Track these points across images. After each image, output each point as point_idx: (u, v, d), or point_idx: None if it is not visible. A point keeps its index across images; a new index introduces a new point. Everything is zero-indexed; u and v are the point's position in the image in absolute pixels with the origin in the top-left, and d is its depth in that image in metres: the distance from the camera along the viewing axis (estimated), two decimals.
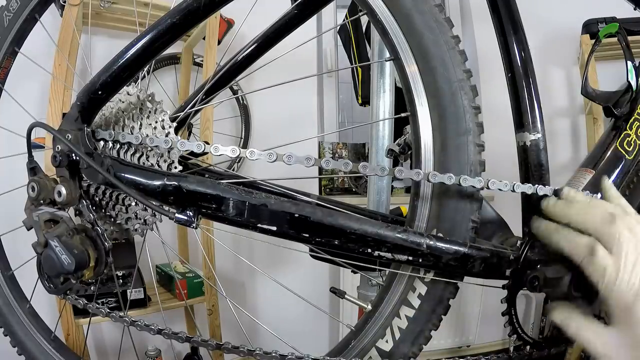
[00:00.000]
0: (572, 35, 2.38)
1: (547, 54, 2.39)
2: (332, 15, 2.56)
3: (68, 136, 0.61)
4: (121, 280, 1.70)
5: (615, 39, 0.89)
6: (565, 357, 2.05)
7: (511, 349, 0.71)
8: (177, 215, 0.54)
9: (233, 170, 2.05)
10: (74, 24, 1.51)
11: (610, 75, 1.57)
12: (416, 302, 0.60)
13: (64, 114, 1.50)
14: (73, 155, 0.61)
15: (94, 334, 1.98)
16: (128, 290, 1.68)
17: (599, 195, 0.75)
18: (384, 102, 0.98)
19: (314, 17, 0.83)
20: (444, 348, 2.25)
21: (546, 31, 2.34)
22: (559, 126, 2.51)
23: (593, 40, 1.95)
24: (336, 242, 0.52)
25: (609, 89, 0.88)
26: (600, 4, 2.18)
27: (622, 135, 0.83)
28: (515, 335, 0.67)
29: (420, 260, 0.54)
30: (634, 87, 0.84)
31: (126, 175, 0.57)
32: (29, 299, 0.89)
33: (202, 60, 1.92)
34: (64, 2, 1.58)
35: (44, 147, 1.36)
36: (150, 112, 0.62)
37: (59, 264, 0.59)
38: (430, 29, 0.59)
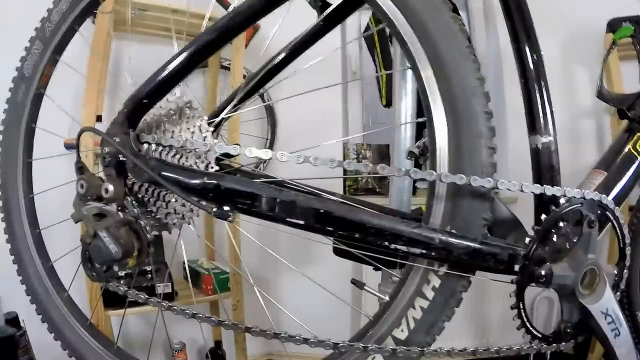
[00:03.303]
0: (597, 34, 2.35)
1: (571, 52, 2.36)
2: (356, 18, 2.59)
3: (116, 139, 0.68)
4: (150, 276, 1.78)
5: None
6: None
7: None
8: (215, 210, 0.60)
9: (259, 169, 2.12)
10: (106, 30, 1.57)
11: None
12: (430, 294, 0.64)
13: (97, 117, 1.58)
14: (121, 156, 0.68)
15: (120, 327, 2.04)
16: (157, 285, 1.76)
17: (609, 196, 0.77)
18: (405, 106, 1.01)
19: None
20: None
21: (571, 29, 2.32)
22: (584, 126, 2.48)
23: None
24: (357, 235, 0.57)
25: (636, 90, 0.89)
26: (627, 2, 2.15)
27: (635, 138, 0.85)
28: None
29: (433, 253, 0.58)
30: None
31: (169, 174, 0.64)
32: (67, 289, 0.95)
33: (229, 64, 1.99)
34: (96, 10, 1.65)
35: (74, 149, 1.43)
36: (188, 117, 0.69)
37: (107, 252, 0.65)
38: (446, 39, 0.64)
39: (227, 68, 2.09)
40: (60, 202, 0.82)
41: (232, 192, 0.59)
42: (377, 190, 2.46)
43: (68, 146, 1.37)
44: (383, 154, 2.53)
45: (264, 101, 2.14)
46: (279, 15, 0.89)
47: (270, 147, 2.31)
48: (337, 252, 0.92)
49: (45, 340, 0.94)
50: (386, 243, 0.58)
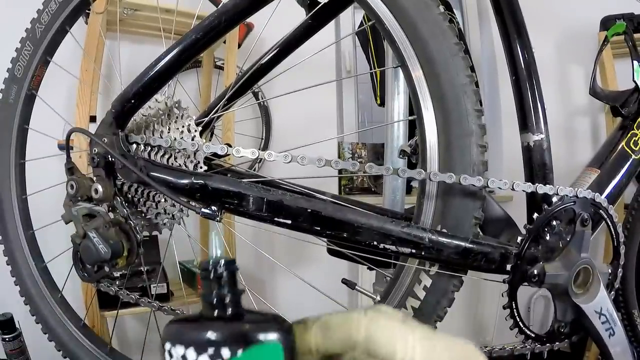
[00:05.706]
0: (591, 32, 2.36)
1: (566, 50, 2.37)
2: (350, 17, 2.59)
3: (104, 140, 0.68)
4: (145, 276, 1.76)
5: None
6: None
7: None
8: (202, 210, 0.59)
9: (254, 169, 2.10)
10: (99, 31, 1.55)
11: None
12: (421, 294, 0.64)
13: (91, 117, 1.57)
14: (109, 157, 0.67)
15: (116, 328, 2.04)
16: (152, 285, 1.74)
17: (603, 195, 0.77)
18: (398, 104, 1.01)
19: None
20: None
21: (565, 28, 2.32)
22: (579, 125, 2.49)
23: None
24: (345, 235, 0.57)
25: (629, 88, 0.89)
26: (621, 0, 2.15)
27: (628, 135, 0.85)
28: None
29: (423, 253, 0.58)
30: None
31: (157, 174, 0.64)
32: (60, 289, 0.95)
33: (223, 64, 1.98)
34: (89, 10, 1.63)
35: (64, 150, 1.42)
36: (177, 117, 0.68)
37: (97, 253, 0.65)
38: (435, 37, 0.63)
39: (220, 67, 2.09)
40: (54, 203, 0.81)
41: (220, 192, 0.59)
42: (373, 189, 2.46)
43: (62, 147, 1.36)
44: (378, 153, 2.53)
45: (255, 96, 2.13)
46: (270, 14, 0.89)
47: (265, 146, 2.30)
48: (331, 252, 0.92)
49: (41, 341, 0.94)
50: (375, 243, 0.57)
